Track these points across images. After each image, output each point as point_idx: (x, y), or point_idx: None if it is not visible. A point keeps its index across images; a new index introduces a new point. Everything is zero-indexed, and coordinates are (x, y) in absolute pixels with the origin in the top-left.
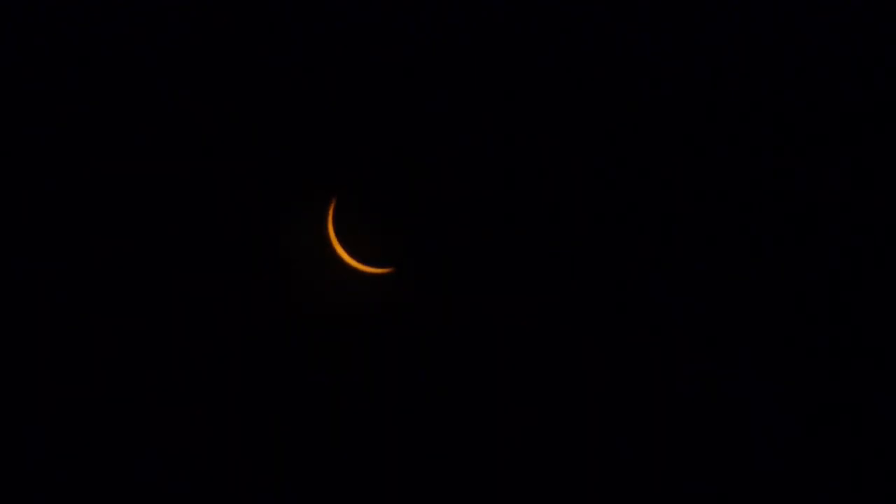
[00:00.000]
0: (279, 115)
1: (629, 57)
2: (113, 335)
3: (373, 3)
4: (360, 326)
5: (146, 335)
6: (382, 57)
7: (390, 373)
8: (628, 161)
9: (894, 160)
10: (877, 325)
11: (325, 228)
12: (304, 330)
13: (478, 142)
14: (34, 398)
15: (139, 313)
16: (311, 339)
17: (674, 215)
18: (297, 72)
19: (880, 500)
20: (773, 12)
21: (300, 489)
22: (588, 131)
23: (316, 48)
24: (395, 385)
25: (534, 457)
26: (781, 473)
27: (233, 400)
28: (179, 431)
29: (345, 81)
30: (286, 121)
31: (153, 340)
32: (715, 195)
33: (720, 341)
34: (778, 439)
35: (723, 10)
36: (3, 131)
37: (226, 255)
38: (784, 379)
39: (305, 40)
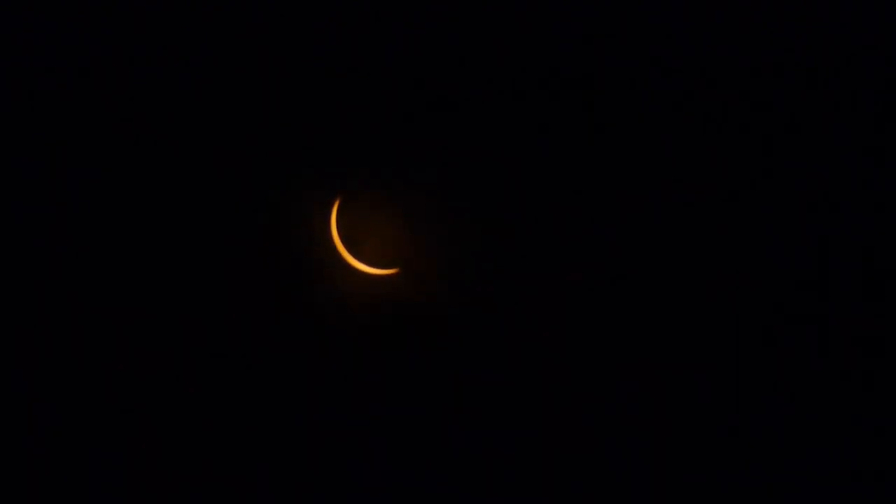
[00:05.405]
0: (282, 116)
1: (627, 59)
2: (112, 335)
3: (376, 4)
4: (364, 328)
5: (145, 335)
6: (387, 57)
7: (393, 374)
8: (629, 162)
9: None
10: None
11: (329, 229)
12: (307, 331)
13: (482, 142)
14: (35, 398)
15: (138, 313)
16: (314, 340)
17: (682, 218)
18: (301, 71)
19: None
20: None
21: (297, 489)
22: (592, 133)
23: (319, 48)
24: (397, 386)
25: (533, 456)
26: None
27: (234, 400)
28: (179, 431)
29: (349, 81)
30: (289, 121)
31: (152, 340)
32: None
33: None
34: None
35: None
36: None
37: (228, 256)
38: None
39: (307, 40)
